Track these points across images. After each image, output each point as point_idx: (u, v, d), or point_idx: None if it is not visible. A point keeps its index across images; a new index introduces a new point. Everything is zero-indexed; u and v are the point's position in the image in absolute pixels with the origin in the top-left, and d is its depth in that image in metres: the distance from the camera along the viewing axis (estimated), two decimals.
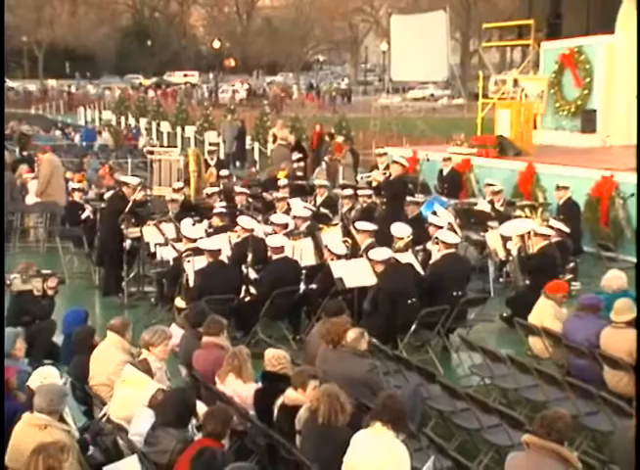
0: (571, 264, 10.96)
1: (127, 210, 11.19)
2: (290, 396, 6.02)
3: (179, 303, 9.59)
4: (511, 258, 10.68)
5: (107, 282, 11.63)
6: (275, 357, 6.52)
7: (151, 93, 49.58)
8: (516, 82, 20.12)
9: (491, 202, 13.50)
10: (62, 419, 5.67)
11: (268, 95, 52.10)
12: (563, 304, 8.59)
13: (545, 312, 8.47)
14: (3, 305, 8.63)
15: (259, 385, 6.53)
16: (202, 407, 6.00)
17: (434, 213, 11.72)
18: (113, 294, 11.41)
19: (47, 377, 6.09)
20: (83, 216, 13.28)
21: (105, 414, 6.15)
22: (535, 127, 18.70)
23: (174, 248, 10.58)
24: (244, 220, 10.76)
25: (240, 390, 6.52)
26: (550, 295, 8.55)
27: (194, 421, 5.76)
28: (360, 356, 6.83)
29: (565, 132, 18.67)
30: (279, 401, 6.07)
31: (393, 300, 8.87)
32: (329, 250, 9.97)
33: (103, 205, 12.65)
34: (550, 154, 16.90)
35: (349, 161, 19.06)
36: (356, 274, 9.43)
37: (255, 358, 6.77)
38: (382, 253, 9.31)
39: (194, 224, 11.60)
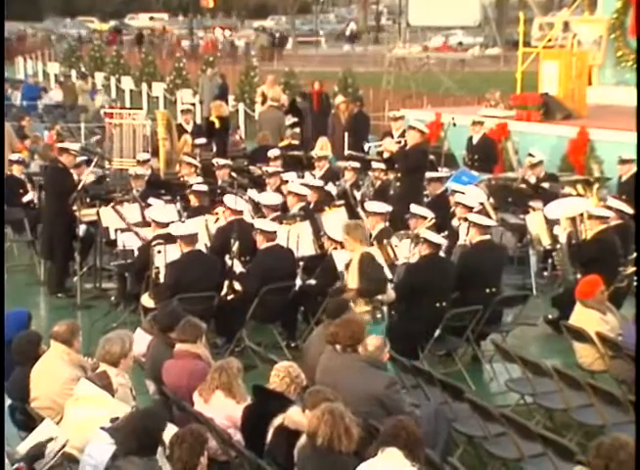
0: (635, 254, 10.97)
1: (79, 187, 11.21)
2: (293, 416, 6.02)
3: (146, 301, 9.62)
4: (558, 246, 10.73)
5: (54, 277, 11.70)
6: (275, 368, 6.58)
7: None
8: (566, 26, 20.05)
9: (528, 178, 13.49)
10: None
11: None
12: (607, 308, 8.62)
13: (587, 321, 8.48)
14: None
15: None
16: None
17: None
18: (60, 292, 11.54)
19: None
20: (26, 199, 13.26)
21: (50, 438, 6.08)
22: (591, 83, 18.71)
23: (139, 235, 10.60)
24: (230, 200, 10.74)
25: (231, 411, 6.57)
26: (585, 301, 8.59)
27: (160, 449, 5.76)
28: (379, 369, 6.89)
29: (628, 88, 18.57)
30: (276, 422, 6.09)
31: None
32: (331, 237, 10.00)
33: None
34: (609, 116, 16.90)
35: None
36: None
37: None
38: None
39: (166, 206, 11.63)
